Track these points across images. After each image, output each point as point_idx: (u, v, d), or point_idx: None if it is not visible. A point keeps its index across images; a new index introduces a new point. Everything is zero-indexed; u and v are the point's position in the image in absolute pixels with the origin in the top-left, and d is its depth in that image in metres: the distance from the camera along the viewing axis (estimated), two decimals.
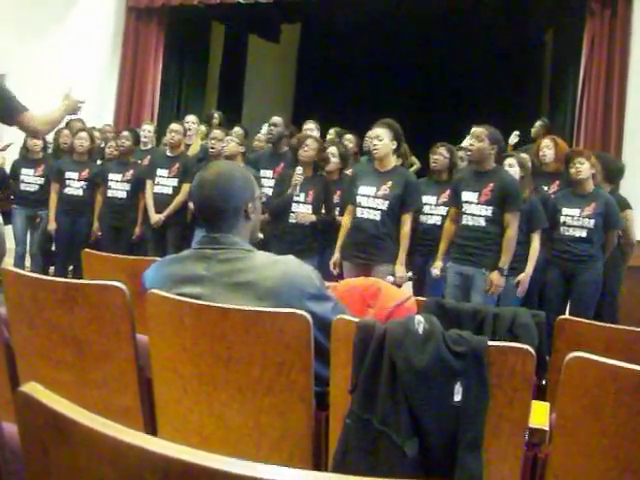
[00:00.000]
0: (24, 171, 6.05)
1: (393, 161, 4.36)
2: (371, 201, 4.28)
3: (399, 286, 4.39)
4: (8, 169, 6.35)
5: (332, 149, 5.07)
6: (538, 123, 6.68)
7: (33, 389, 0.70)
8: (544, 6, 7.88)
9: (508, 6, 8.32)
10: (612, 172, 4.85)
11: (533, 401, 1.43)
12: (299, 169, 4.76)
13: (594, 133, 6.52)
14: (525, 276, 4.31)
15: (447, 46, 10.27)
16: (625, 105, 6.39)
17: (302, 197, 4.76)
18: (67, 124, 6.65)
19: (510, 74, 9.78)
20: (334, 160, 5.00)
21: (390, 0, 7.80)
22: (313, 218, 4.72)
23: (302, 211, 4.74)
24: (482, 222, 4.14)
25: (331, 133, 6.31)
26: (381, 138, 4.22)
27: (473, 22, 9.24)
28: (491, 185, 4.11)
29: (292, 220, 4.76)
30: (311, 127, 5.95)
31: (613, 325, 2.19)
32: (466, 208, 4.21)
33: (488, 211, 4.12)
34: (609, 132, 6.45)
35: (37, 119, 3.19)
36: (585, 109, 6.63)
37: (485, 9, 8.26)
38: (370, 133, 4.28)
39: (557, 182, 5.03)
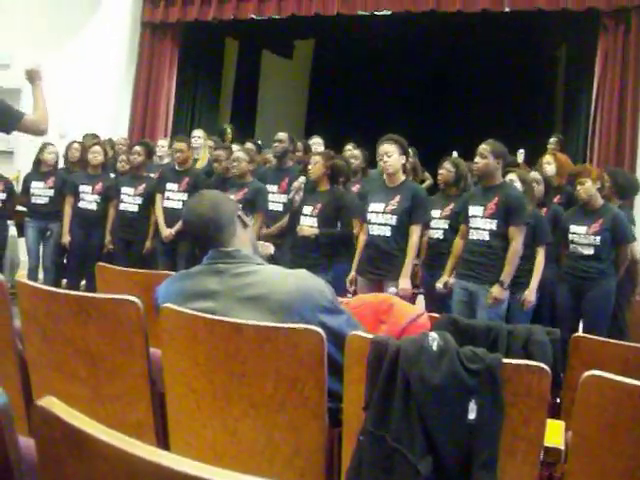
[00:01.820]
0: (34, 184, 6.10)
1: (402, 176, 4.37)
2: (380, 217, 4.30)
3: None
4: (21, 183, 6.42)
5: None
6: (553, 139, 6.67)
7: (50, 403, 0.70)
8: (557, 22, 7.88)
9: (521, 22, 8.33)
10: (622, 188, 4.82)
11: (548, 420, 1.42)
12: (302, 178, 4.79)
13: (607, 149, 6.50)
14: (529, 292, 4.28)
15: (460, 62, 10.31)
16: (638, 120, 6.38)
17: (309, 210, 4.76)
18: (83, 138, 6.72)
19: (523, 90, 9.79)
20: None
21: (403, 17, 7.82)
22: (315, 231, 4.70)
23: (307, 224, 4.74)
24: (486, 236, 4.14)
25: (350, 149, 6.32)
26: (390, 154, 4.24)
27: (486, 38, 9.26)
28: (496, 199, 4.12)
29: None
30: (318, 141, 6.03)
31: (629, 343, 2.17)
32: (472, 223, 4.22)
33: (493, 224, 4.12)
34: (622, 147, 6.43)
35: (33, 119, 3.29)
36: (598, 124, 6.62)
37: (498, 25, 8.28)
38: (379, 150, 4.29)
39: (558, 197, 5.05)
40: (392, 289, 4.13)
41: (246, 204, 4.99)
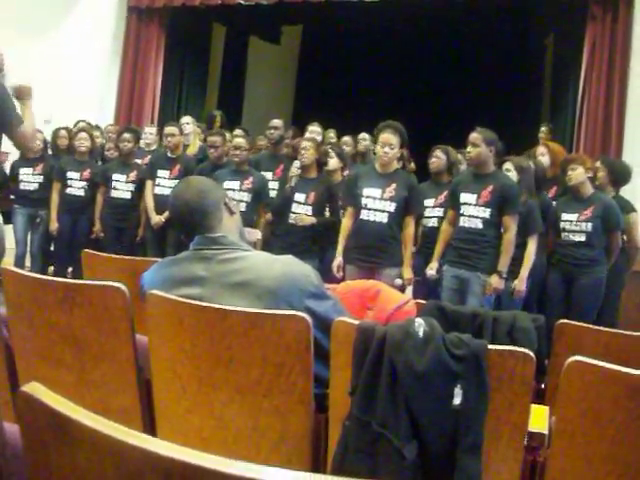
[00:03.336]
0: (23, 170, 6.04)
1: (395, 164, 4.37)
2: (378, 203, 4.25)
3: (403, 289, 4.40)
4: (8, 169, 6.35)
5: (329, 150, 5.08)
6: (544, 128, 6.67)
7: (35, 389, 0.70)
8: (545, 10, 7.89)
9: (509, 11, 8.33)
10: (618, 176, 4.83)
11: (532, 405, 1.43)
12: (296, 162, 4.80)
13: (594, 137, 6.53)
14: (520, 281, 4.28)
15: (448, 50, 10.29)
16: (625, 109, 6.40)
17: (303, 198, 4.75)
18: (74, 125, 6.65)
19: (511, 78, 9.79)
20: (333, 161, 5.01)
21: (391, 3, 7.80)
22: (313, 220, 4.71)
23: (301, 212, 4.73)
24: (479, 224, 4.13)
25: (332, 136, 6.31)
26: (393, 147, 4.20)
27: (474, 27, 9.25)
28: (490, 187, 4.11)
29: (291, 220, 4.77)
30: (317, 130, 5.99)
31: (613, 330, 2.19)
32: (464, 210, 4.20)
33: (486, 213, 4.11)
34: (609, 136, 6.45)
35: (25, 132, 3.03)
36: (586, 113, 6.64)
37: (486, 14, 8.27)
38: (381, 137, 4.25)
39: (555, 188, 5.05)
40: (398, 281, 4.24)
41: (254, 195, 5.01)
